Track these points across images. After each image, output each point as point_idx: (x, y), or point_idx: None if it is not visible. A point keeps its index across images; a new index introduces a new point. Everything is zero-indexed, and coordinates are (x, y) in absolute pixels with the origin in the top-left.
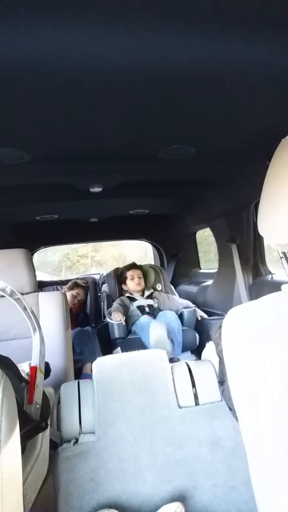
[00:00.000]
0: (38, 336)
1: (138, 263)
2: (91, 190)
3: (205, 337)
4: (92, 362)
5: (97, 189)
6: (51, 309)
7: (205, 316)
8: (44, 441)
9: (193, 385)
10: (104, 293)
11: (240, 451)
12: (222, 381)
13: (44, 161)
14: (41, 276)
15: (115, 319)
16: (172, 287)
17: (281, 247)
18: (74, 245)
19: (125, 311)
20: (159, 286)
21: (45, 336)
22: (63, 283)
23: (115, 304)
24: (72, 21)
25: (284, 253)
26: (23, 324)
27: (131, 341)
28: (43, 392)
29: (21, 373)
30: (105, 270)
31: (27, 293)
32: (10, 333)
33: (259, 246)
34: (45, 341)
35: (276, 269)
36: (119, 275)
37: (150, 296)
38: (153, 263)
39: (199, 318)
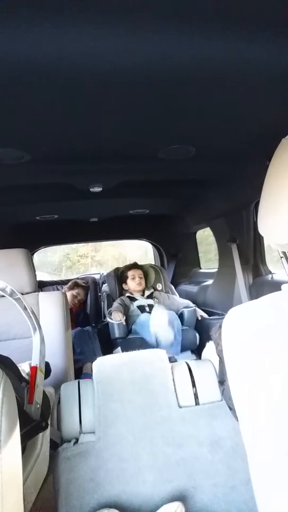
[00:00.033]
0: (38, 336)
1: (138, 263)
2: (91, 190)
3: (205, 336)
4: (92, 362)
5: (97, 189)
6: (51, 309)
7: (205, 315)
8: (44, 441)
9: (193, 385)
10: (104, 293)
11: (240, 451)
12: (222, 381)
13: (44, 161)
14: (41, 276)
15: (115, 319)
16: (172, 287)
17: (281, 247)
18: (74, 245)
19: (126, 311)
20: (159, 286)
21: (45, 336)
22: (63, 283)
23: (115, 304)
24: (72, 21)
25: (284, 253)
26: (23, 324)
27: (132, 341)
28: (43, 392)
29: (21, 373)
30: (105, 270)
31: (27, 293)
32: (10, 333)
33: (259, 246)
34: (45, 341)
35: (276, 269)
36: (120, 275)
37: (150, 296)
38: (153, 263)
39: (199, 318)
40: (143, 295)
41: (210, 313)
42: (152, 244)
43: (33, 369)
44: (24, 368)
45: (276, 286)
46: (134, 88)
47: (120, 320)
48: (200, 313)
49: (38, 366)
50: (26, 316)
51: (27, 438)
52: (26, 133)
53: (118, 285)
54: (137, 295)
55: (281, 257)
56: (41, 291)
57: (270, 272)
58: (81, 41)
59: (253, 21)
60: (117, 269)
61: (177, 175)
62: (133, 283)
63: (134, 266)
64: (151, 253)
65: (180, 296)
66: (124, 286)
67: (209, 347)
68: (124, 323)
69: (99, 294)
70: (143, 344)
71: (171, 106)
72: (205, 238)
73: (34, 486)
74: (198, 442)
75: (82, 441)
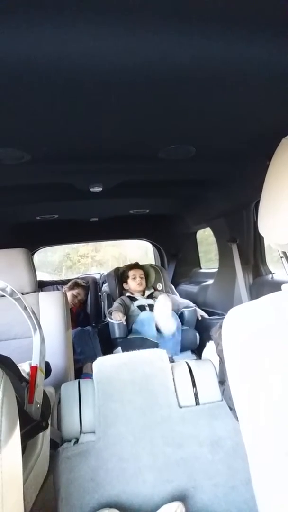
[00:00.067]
0: (39, 336)
1: (139, 263)
2: (91, 190)
3: (205, 336)
4: (92, 362)
5: (97, 189)
6: (51, 309)
7: (205, 315)
8: (44, 440)
9: (194, 385)
10: (104, 293)
11: (240, 451)
12: (222, 381)
13: (44, 161)
14: (42, 276)
15: (116, 318)
16: (173, 287)
17: (281, 247)
18: (75, 245)
19: (126, 311)
20: (159, 286)
21: (45, 336)
22: (63, 282)
23: (116, 304)
24: (72, 21)
25: (284, 253)
26: (24, 324)
27: (132, 341)
28: (44, 391)
29: (22, 373)
30: (106, 270)
31: (27, 293)
32: (10, 333)
33: (259, 246)
34: (46, 340)
35: (277, 269)
36: (121, 274)
37: (150, 296)
38: (153, 263)
39: (200, 318)
40: (143, 295)
41: (210, 313)
42: (152, 244)
43: (33, 369)
44: (24, 368)
45: (276, 286)
46: (134, 88)
47: (120, 320)
48: (200, 313)
49: (38, 366)
50: (26, 316)
51: (27, 438)
52: (26, 133)
53: (118, 285)
54: (137, 295)
55: (281, 257)
56: (41, 291)
57: (270, 272)
58: (81, 41)
59: (253, 21)
60: (117, 269)
61: (177, 175)
62: (134, 283)
63: (135, 266)
64: (151, 253)
65: (180, 296)
66: (124, 286)
67: (209, 347)
68: (124, 323)
69: (99, 294)
70: (143, 344)
71: (171, 106)
72: (205, 238)
73: (34, 486)
74: (198, 442)
75: (82, 441)
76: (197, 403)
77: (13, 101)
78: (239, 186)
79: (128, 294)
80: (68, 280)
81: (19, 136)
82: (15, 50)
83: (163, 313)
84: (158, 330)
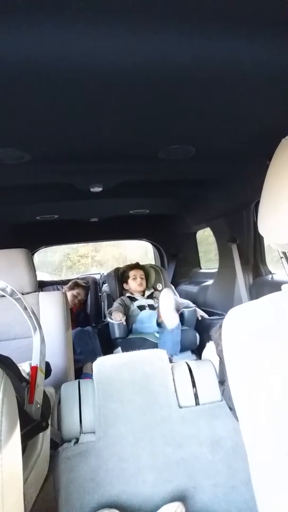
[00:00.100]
0: (39, 336)
1: (140, 263)
2: (91, 190)
3: (205, 337)
4: (92, 362)
5: (97, 189)
6: (51, 309)
7: (205, 316)
8: (44, 440)
9: (194, 385)
10: (104, 293)
11: (240, 451)
12: (222, 381)
13: (44, 161)
14: (42, 276)
15: (116, 319)
16: (173, 287)
17: (281, 247)
18: (75, 245)
19: (126, 311)
20: (159, 286)
21: (45, 336)
22: (63, 283)
23: (116, 304)
24: (72, 21)
25: (284, 253)
26: (24, 324)
27: (132, 341)
28: (44, 391)
29: (22, 373)
30: (106, 270)
31: (27, 293)
32: (10, 333)
33: (259, 246)
34: (46, 341)
35: (276, 269)
36: (121, 274)
37: (150, 296)
38: (153, 263)
39: (200, 318)
40: (143, 295)
41: (210, 313)
42: (152, 244)
43: (34, 369)
44: (24, 368)
45: (276, 286)
46: (134, 88)
47: (120, 320)
48: (200, 313)
49: (38, 366)
50: (26, 316)
51: (27, 438)
52: (26, 133)
53: (118, 285)
54: (137, 295)
55: (281, 257)
56: (42, 291)
57: (270, 272)
58: (81, 41)
59: (253, 21)
60: (117, 269)
61: (177, 175)
62: (135, 284)
63: (136, 266)
64: (151, 253)
65: (180, 296)
66: (125, 286)
67: (209, 347)
68: (124, 323)
69: (100, 294)
70: (143, 344)
71: (171, 106)
72: (205, 238)
73: (35, 486)
74: (198, 442)
75: (82, 441)
76: (197, 403)
77: (13, 101)
78: (239, 186)
79: (128, 294)
80: (68, 280)
81: (19, 136)
82: (15, 50)
83: (168, 303)
84: (159, 325)
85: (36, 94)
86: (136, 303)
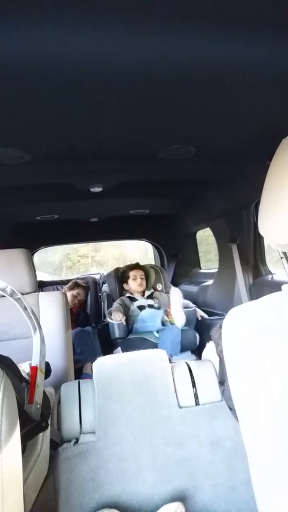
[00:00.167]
0: (39, 336)
1: (140, 264)
2: (91, 190)
3: (205, 337)
4: (92, 362)
5: (97, 189)
6: (51, 309)
7: (205, 316)
8: (44, 441)
9: (194, 385)
10: (104, 293)
11: (240, 451)
12: (222, 381)
13: (44, 161)
14: (42, 276)
15: (116, 319)
16: (173, 287)
17: (281, 247)
18: (75, 245)
19: (126, 311)
20: (159, 286)
21: (45, 336)
22: (63, 283)
23: (116, 304)
24: (72, 21)
25: (284, 253)
26: (24, 324)
27: (132, 341)
28: (44, 392)
29: (22, 373)
30: (106, 270)
31: (27, 293)
32: (10, 333)
33: (259, 246)
34: (46, 341)
35: (277, 269)
36: (121, 275)
37: (150, 296)
38: (153, 263)
39: (200, 318)
40: (143, 295)
41: (210, 313)
42: (152, 244)
43: (33, 369)
44: (24, 368)
45: (276, 286)
46: (134, 88)
47: (120, 320)
48: (200, 313)
49: (38, 366)
50: (26, 316)
51: (27, 438)
52: (26, 133)
53: (118, 285)
54: (137, 295)
55: (281, 258)
56: (41, 291)
57: (270, 273)
58: (81, 41)
59: (253, 21)
60: (117, 269)
61: (177, 175)
62: (135, 284)
63: (136, 266)
64: (151, 253)
65: None
66: (125, 286)
67: (209, 347)
68: (124, 323)
69: (99, 294)
70: (143, 344)
71: (171, 106)
72: (205, 238)
73: (34, 486)
74: (198, 442)
75: (82, 441)
76: (197, 403)
77: (13, 101)
78: (239, 186)
79: (128, 294)
80: (68, 280)
81: (19, 136)
82: (15, 50)
83: (178, 300)
84: (163, 324)
85: (36, 94)
86: (136, 303)
